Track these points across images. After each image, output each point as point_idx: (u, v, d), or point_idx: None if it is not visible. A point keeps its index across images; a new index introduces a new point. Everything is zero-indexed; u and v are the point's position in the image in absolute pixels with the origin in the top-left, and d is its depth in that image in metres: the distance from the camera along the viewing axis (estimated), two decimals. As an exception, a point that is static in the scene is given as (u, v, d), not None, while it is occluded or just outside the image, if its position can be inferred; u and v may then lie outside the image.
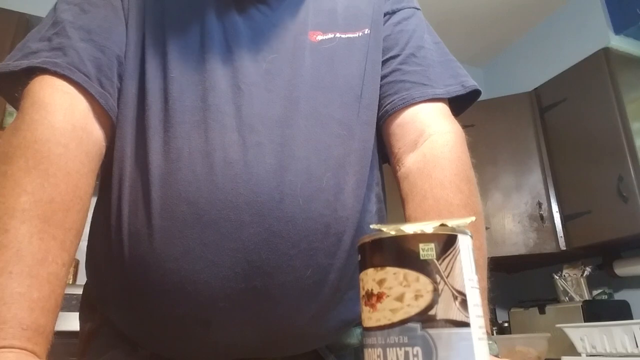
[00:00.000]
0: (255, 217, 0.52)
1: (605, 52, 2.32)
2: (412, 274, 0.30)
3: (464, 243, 0.31)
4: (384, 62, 0.68)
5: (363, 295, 0.33)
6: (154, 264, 0.52)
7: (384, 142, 0.68)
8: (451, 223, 0.32)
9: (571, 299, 2.35)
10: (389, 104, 0.66)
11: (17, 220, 0.46)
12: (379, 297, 0.31)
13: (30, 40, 0.59)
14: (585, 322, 2.07)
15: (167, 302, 0.53)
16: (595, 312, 2.12)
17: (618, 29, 2.45)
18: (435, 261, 0.30)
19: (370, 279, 0.32)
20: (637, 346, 1.73)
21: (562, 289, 2.41)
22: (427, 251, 0.30)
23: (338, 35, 0.65)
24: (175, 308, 0.53)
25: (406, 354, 0.29)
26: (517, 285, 2.90)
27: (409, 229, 0.31)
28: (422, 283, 0.30)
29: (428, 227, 0.31)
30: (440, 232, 0.31)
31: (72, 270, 1.87)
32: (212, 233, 0.52)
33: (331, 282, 0.55)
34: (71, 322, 1.07)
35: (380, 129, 0.67)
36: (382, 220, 0.64)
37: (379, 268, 0.31)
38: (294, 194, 0.53)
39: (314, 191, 0.55)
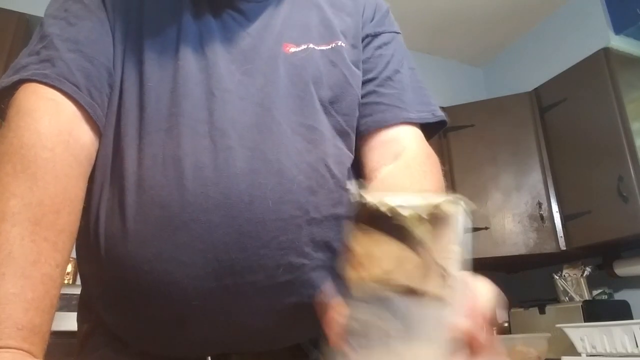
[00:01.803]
0: (225, 218, 0.54)
1: (605, 52, 2.32)
2: (397, 245, 0.31)
3: (453, 218, 0.32)
4: (363, 83, 0.70)
5: (348, 263, 0.33)
6: (129, 266, 0.54)
7: (358, 155, 0.70)
8: (438, 199, 0.32)
9: (571, 299, 2.35)
10: (364, 123, 0.69)
11: (7, 224, 0.46)
12: (363, 265, 0.31)
13: (20, 57, 0.60)
14: (585, 322, 2.06)
15: (143, 302, 0.55)
16: (595, 312, 2.12)
17: (618, 29, 2.45)
18: (422, 235, 0.31)
19: (357, 246, 0.32)
20: (637, 346, 1.73)
21: (562, 289, 2.41)
22: (414, 223, 0.31)
23: (311, 46, 0.66)
24: (152, 308, 0.54)
25: (385, 323, 0.29)
26: (517, 285, 2.90)
27: (397, 200, 0.31)
28: (407, 255, 0.30)
29: (417, 199, 0.31)
30: (427, 204, 0.31)
31: (71, 270, 1.87)
32: (183, 235, 0.53)
33: (306, 281, 0.56)
34: (71, 322, 1.07)
35: (355, 143, 0.69)
36: None
37: (366, 236, 0.32)
38: (263, 196, 0.55)
39: (284, 193, 0.56)
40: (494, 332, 0.39)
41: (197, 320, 0.54)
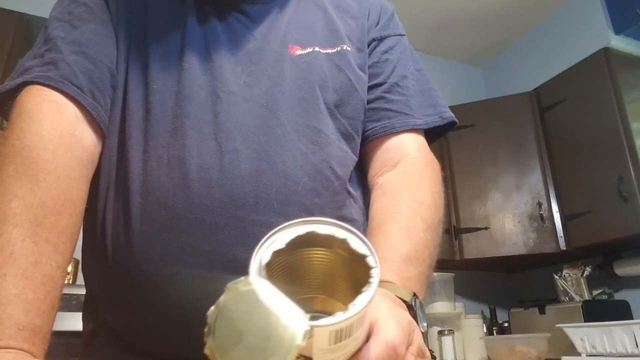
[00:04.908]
0: (230, 220, 0.54)
1: (605, 52, 2.32)
2: None
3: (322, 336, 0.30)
4: (370, 88, 0.70)
5: None
6: (135, 267, 0.54)
7: (362, 160, 0.71)
8: (318, 322, 0.29)
9: (571, 299, 2.35)
10: (371, 129, 0.69)
11: (9, 225, 0.47)
12: None
13: (24, 60, 0.60)
14: (585, 322, 2.06)
15: (148, 303, 0.55)
16: (595, 312, 2.12)
17: (618, 29, 2.45)
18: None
19: None
20: (637, 346, 1.73)
21: (562, 289, 2.41)
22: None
23: (317, 49, 0.66)
24: (156, 308, 0.55)
25: None
26: (517, 285, 2.90)
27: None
28: None
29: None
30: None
31: (72, 270, 1.87)
32: (189, 236, 0.54)
33: None
34: (71, 322, 1.07)
35: (360, 149, 0.69)
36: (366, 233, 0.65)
37: None
38: (268, 198, 0.55)
39: (288, 195, 0.56)
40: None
41: (200, 321, 0.54)
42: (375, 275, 0.32)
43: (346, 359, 0.34)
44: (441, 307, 2.38)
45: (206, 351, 0.27)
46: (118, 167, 0.59)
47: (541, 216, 2.41)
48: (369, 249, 0.33)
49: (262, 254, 0.32)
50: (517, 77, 3.03)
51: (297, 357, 0.30)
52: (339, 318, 0.29)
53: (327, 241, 0.34)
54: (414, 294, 0.50)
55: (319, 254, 0.36)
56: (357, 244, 0.33)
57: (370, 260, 0.33)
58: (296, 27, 0.68)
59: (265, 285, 0.29)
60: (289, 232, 0.34)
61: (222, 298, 0.28)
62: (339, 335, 0.30)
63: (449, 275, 2.45)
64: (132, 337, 0.59)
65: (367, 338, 0.35)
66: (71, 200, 0.52)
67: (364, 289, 0.31)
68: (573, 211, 2.31)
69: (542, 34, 2.89)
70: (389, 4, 0.79)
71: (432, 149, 0.71)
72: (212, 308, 0.28)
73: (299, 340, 0.27)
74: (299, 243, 0.34)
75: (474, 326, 2.44)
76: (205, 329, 0.28)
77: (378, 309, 0.37)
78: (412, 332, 0.39)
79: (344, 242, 0.34)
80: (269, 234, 0.33)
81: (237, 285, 0.28)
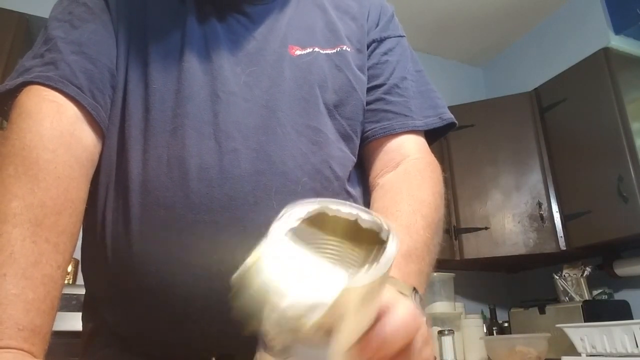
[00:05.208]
0: (230, 220, 0.54)
1: (605, 52, 2.32)
2: None
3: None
4: (369, 90, 0.70)
5: None
6: (134, 267, 0.54)
7: (363, 161, 0.71)
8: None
9: (571, 299, 2.35)
10: (370, 130, 0.69)
11: (9, 225, 0.47)
12: None
13: (24, 60, 0.61)
14: (585, 322, 2.07)
15: (147, 302, 0.55)
16: (595, 312, 2.12)
17: (618, 29, 2.45)
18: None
19: None
20: (637, 346, 1.73)
21: (562, 289, 2.41)
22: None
23: (317, 50, 0.67)
24: (156, 308, 0.55)
25: None
26: (517, 285, 2.90)
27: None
28: None
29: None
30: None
31: (72, 270, 1.87)
32: (188, 236, 0.54)
33: None
34: (71, 322, 1.07)
35: (360, 149, 0.70)
36: None
37: None
38: (268, 198, 0.55)
39: (288, 194, 0.56)
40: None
41: (199, 321, 0.54)
42: (393, 237, 0.29)
43: (363, 332, 0.31)
44: (441, 307, 2.38)
45: (237, 315, 0.26)
46: (118, 167, 0.59)
47: (541, 216, 2.41)
48: (383, 225, 0.31)
49: (286, 221, 0.30)
50: (517, 77, 3.03)
51: (321, 325, 0.27)
52: (370, 276, 0.27)
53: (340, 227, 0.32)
54: (414, 289, 0.50)
55: (330, 246, 0.34)
56: (366, 222, 0.31)
57: (384, 235, 0.31)
58: (296, 27, 0.68)
59: (292, 246, 0.27)
60: (306, 207, 0.31)
61: (249, 260, 0.27)
62: (367, 298, 0.28)
63: (449, 275, 2.45)
64: (132, 337, 0.59)
65: (376, 320, 0.34)
66: (71, 200, 0.52)
67: (382, 253, 0.29)
68: (573, 211, 2.31)
69: (542, 34, 2.89)
70: (389, 4, 0.79)
71: (432, 149, 0.71)
72: (239, 270, 0.26)
73: (332, 300, 0.25)
74: (313, 224, 0.31)
75: (474, 326, 2.45)
76: (232, 293, 0.26)
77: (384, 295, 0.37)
78: (419, 315, 0.39)
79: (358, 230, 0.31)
80: (286, 209, 0.31)
81: (263, 248, 0.27)
